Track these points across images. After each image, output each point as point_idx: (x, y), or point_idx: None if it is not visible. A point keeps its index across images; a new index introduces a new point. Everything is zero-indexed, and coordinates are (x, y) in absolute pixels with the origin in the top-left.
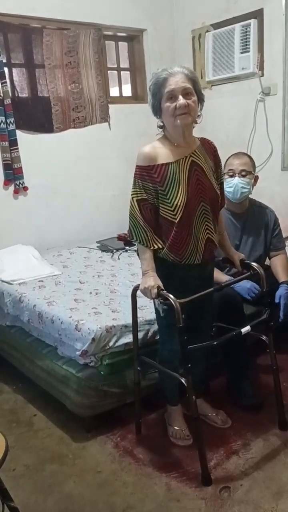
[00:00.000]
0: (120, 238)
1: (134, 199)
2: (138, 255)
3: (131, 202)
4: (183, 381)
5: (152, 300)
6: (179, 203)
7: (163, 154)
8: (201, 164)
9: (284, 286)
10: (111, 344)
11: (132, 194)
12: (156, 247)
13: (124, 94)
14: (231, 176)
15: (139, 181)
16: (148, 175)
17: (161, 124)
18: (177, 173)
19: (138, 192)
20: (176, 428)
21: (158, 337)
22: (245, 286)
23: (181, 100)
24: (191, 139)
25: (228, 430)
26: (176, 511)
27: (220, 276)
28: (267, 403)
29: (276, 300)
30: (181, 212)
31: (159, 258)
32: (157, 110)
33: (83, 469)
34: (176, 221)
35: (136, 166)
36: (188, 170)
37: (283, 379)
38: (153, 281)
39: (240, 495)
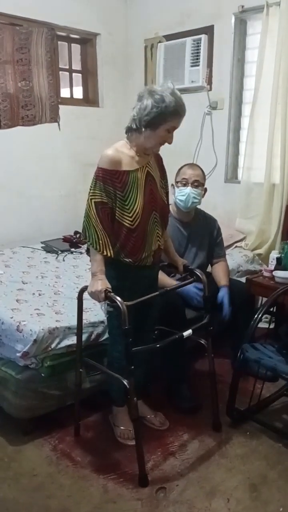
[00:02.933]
0: (66, 239)
1: (93, 200)
2: (87, 253)
3: (89, 203)
4: (125, 382)
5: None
6: (137, 210)
7: (125, 160)
8: (154, 175)
9: (224, 288)
10: (53, 346)
11: (91, 196)
12: (105, 253)
13: (75, 96)
14: (184, 185)
15: (101, 183)
16: (110, 179)
17: (133, 127)
18: (136, 182)
19: (98, 194)
20: (123, 428)
21: (101, 340)
22: (189, 292)
23: (172, 138)
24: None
25: (165, 431)
26: None
27: (166, 280)
28: (203, 405)
29: (219, 300)
30: (138, 219)
31: (109, 260)
32: (151, 125)
33: (19, 472)
34: (133, 227)
35: (100, 168)
36: (145, 179)
37: (218, 382)
38: (101, 284)
39: (175, 496)
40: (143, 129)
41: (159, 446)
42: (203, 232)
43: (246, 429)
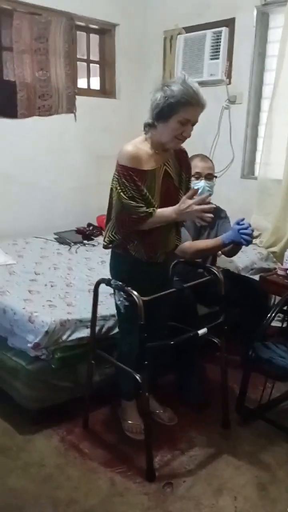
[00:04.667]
0: (79, 231)
1: (126, 195)
2: (105, 247)
3: (121, 199)
4: (137, 377)
5: (110, 296)
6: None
7: (144, 157)
8: (172, 174)
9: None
10: (64, 338)
11: (123, 192)
12: (150, 211)
13: (91, 87)
14: (197, 179)
15: (124, 180)
16: (132, 177)
17: (150, 123)
18: (153, 181)
19: (129, 189)
20: (131, 422)
21: (111, 333)
22: (236, 239)
23: (190, 130)
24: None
25: (174, 427)
26: (119, 505)
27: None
28: (212, 402)
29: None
30: None
31: (122, 254)
32: (161, 117)
33: (27, 462)
34: None
35: (121, 165)
36: (162, 179)
37: (229, 380)
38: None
39: (182, 491)
40: (155, 123)
41: (167, 442)
42: (214, 220)
43: (255, 427)
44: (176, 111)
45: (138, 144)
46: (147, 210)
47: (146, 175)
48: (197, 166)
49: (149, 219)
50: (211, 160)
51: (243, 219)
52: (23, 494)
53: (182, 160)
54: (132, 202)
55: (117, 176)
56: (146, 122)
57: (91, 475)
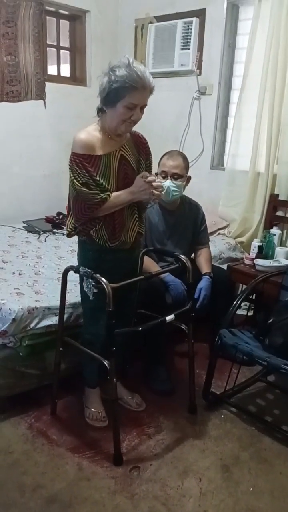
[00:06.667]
0: (48, 220)
1: (79, 182)
2: (68, 236)
3: (75, 186)
4: (105, 363)
5: (78, 283)
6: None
7: (98, 144)
8: (129, 158)
9: (205, 277)
10: (32, 325)
11: (75, 179)
12: (104, 197)
13: (62, 74)
14: (164, 178)
15: (76, 168)
16: (83, 164)
17: (101, 108)
18: (108, 166)
19: (82, 176)
20: (93, 410)
21: (80, 321)
22: (178, 289)
23: (139, 114)
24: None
25: (142, 413)
26: (86, 489)
27: (151, 266)
28: (179, 388)
29: (196, 295)
30: None
31: (88, 241)
32: (108, 102)
33: None
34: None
35: (74, 153)
36: (118, 164)
37: (195, 366)
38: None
39: (149, 474)
40: (104, 108)
41: (135, 427)
42: (187, 221)
43: (221, 412)
44: (122, 96)
45: (91, 131)
46: (101, 195)
47: (100, 161)
48: (164, 164)
49: (105, 204)
50: (183, 157)
51: (204, 297)
52: None
53: (140, 146)
54: (85, 189)
55: (70, 164)
56: (97, 107)
57: (58, 460)
